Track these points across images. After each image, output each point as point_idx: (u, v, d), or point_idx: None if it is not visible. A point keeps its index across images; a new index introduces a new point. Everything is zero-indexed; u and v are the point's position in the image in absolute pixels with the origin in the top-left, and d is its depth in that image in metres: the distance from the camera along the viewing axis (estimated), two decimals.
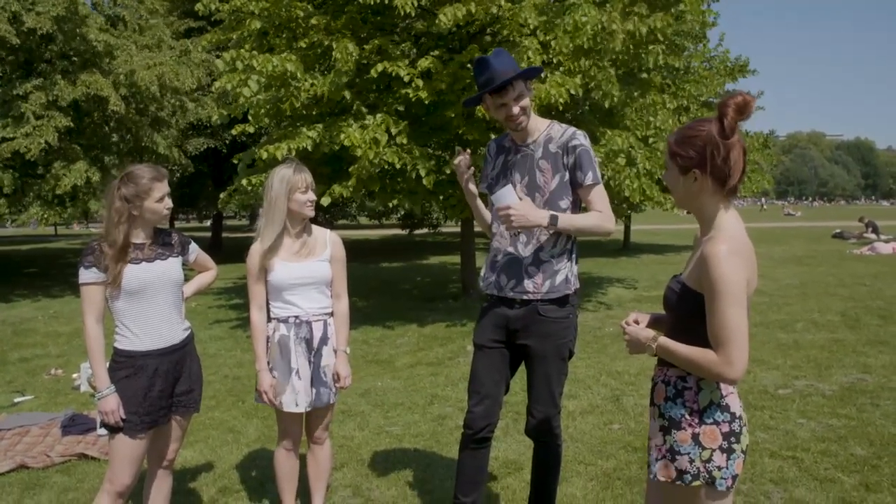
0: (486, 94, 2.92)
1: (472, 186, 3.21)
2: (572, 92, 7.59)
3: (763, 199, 79.62)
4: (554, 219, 2.82)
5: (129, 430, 2.85)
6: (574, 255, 3.06)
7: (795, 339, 7.60)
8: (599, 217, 2.96)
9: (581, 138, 2.98)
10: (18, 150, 11.33)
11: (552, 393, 3.06)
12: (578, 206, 3.05)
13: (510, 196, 2.79)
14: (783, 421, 4.90)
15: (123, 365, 2.88)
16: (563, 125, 3.06)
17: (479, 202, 3.28)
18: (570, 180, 2.98)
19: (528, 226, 2.80)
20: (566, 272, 3.01)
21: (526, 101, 2.92)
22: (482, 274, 3.18)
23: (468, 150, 3.17)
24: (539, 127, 3.05)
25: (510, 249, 3.03)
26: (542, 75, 7.72)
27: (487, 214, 3.26)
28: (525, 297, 2.99)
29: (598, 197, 2.98)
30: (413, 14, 8.00)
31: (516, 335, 3.05)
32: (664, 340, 2.03)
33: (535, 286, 2.98)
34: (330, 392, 3.24)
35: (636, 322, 2.19)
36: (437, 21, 7.54)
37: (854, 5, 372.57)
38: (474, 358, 3.16)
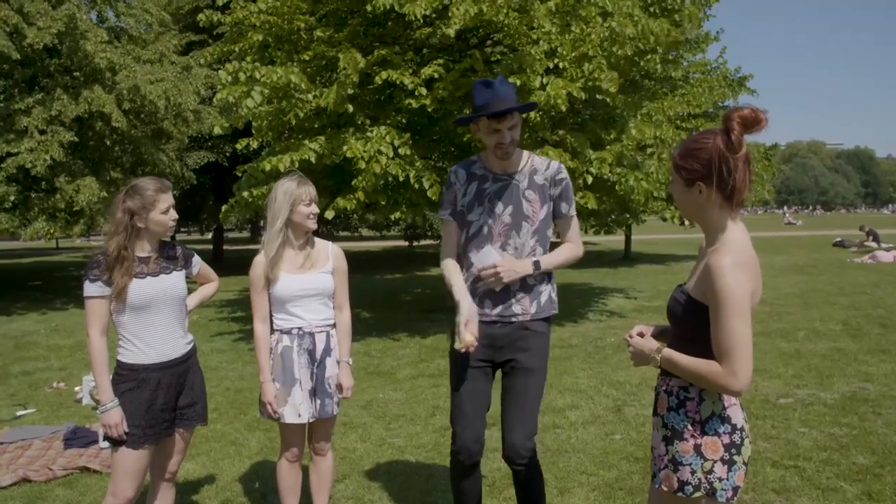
0: (482, 117, 2.91)
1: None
2: (574, 95, 7.63)
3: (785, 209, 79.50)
4: (537, 265, 2.98)
5: (132, 443, 2.85)
6: (552, 277, 3.16)
7: (797, 348, 7.59)
8: (571, 249, 3.13)
9: (564, 171, 3.13)
10: (23, 165, 11.38)
11: (535, 411, 3.01)
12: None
13: (493, 255, 2.92)
14: (785, 430, 4.90)
15: (126, 378, 2.89)
16: (543, 157, 3.15)
17: (458, 282, 3.05)
18: (553, 210, 3.09)
19: (517, 278, 2.94)
20: (549, 293, 3.10)
21: (517, 133, 2.97)
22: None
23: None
24: (519, 158, 3.09)
25: None
26: (543, 81, 7.78)
27: (459, 278, 3.09)
28: (514, 320, 3.02)
29: (574, 227, 3.17)
30: (422, 20, 8.04)
31: (501, 352, 3.03)
32: (668, 352, 2.04)
33: (523, 309, 3.02)
34: (333, 403, 3.25)
35: (640, 335, 2.20)
36: (448, 16, 7.53)
37: (854, 15, 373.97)
38: (456, 380, 3.08)
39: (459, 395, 3.06)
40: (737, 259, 1.91)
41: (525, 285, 3.02)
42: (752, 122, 1.90)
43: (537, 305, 3.04)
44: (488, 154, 3.06)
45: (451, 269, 3.08)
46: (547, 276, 3.09)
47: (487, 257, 2.92)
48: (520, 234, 3.01)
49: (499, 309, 3.02)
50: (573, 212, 3.13)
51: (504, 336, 3.02)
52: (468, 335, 2.81)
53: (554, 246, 3.11)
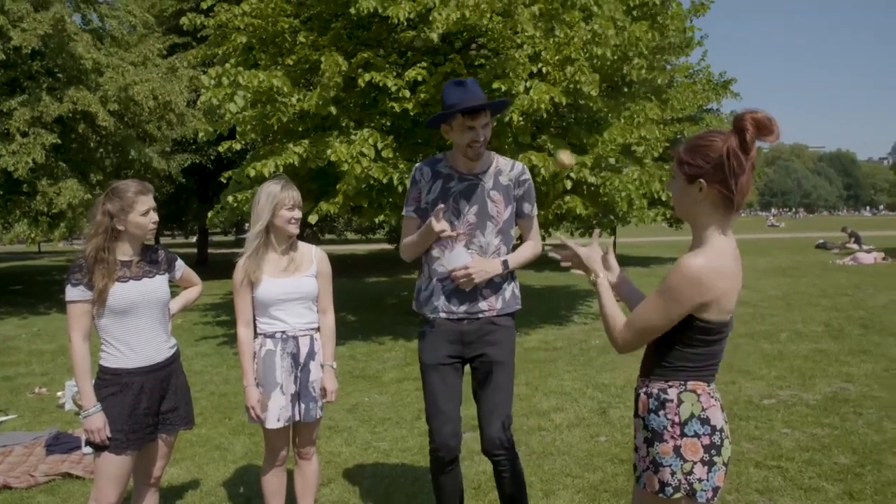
0: (457, 114, 2.92)
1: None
2: (556, 100, 7.66)
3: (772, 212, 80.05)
4: (505, 264, 3.06)
5: (115, 449, 2.84)
6: (515, 274, 3.23)
7: (780, 350, 7.66)
8: (533, 247, 3.24)
9: (528, 172, 3.20)
10: (5, 168, 11.27)
11: (509, 403, 3.10)
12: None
13: (463, 256, 2.98)
14: (768, 431, 4.94)
15: (109, 382, 2.88)
16: (507, 159, 3.21)
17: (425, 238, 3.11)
18: (516, 211, 3.16)
19: (487, 278, 3.01)
20: (512, 289, 3.18)
21: (489, 132, 3.01)
22: (422, 298, 3.17)
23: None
24: (486, 158, 3.12)
25: None
26: (527, 85, 7.81)
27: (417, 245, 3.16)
28: (480, 316, 3.08)
29: (535, 226, 3.26)
30: (406, 24, 8.04)
31: (470, 347, 3.09)
32: (604, 283, 2.20)
33: (489, 305, 3.09)
34: (317, 407, 3.25)
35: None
36: (430, 21, 7.54)
37: (835, 21, 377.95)
38: (429, 379, 3.12)
39: (433, 393, 3.12)
40: (709, 265, 1.94)
41: (490, 283, 3.08)
42: (765, 127, 1.90)
43: (502, 301, 3.11)
44: (455, 153, 3.09)
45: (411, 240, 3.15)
46: (510, 273, 3.17)
47: (458, 258, 2.98)
48: (484, 233, 3.07)
49: (465, 306, 3.07)
50: (535, 212, 3.23)
51: (472, 332, 3.08)
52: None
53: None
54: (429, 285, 3.15)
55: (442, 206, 2.96)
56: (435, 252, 3.11)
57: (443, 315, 3.10)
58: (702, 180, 1.97)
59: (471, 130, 2.94)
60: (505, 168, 3.14)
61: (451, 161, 3.12)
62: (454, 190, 3.09)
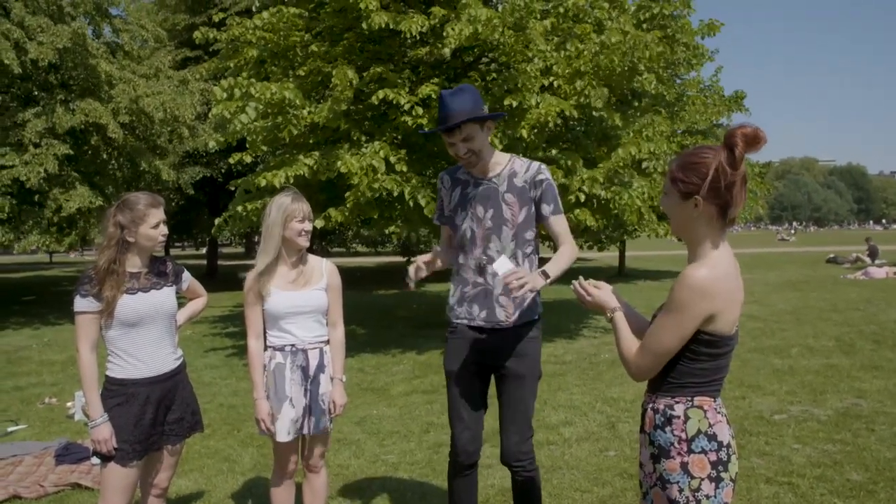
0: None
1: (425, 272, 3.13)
2: (566, 114, 7.67)
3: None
4: (546, 275, 2.86)
5: (121, 459, 2.85)
6: None
7: (790, 365, 7.61)
8: (569, 251, 3.05)
9: (546, 172, 3.10)
10: (18, 178, 11.39)
11: (528, 414, 3.09)
12: (539, 234, 3.19)
13: (509, 264, 2.79)
14: (779, 447, 4.90)
15: (115, 393, 2.89)
16: (525, 160, 3.16)
17: (437, 258, 3.17)
18: (536, 212, 3.09)
19: (533, 290, 2.76)
20: (533, 296, 3.09)
21: (476, 143, 2.96)
22: (450, 304, 3.20)
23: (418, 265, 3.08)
24: (500, 161, 3.12)
25: (479, 280, 3.09)
26: (538, 99, 7.82)
27: (445, 254, 3.25)
28: (499, 325, 3.06)
29: (563, 226, 3.12)
30: (417, 37, 8.09)
31: (490, 357, 3.09)
32: (621, 318, 2.18)
33: (505, 315, 3.05)
34: (326, 420, 3.25)
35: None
36: (443, 37, 7.59)
37: (845, 33, 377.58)
38: (450, 385, 3.17)
39: (454, 398, 3.14)
40: (712, 274, 1.94)
41: (507, 290, 2.97)
42: (754, 141, 1.92)
43: (521, 309, 3.07)
44: None
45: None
46: None
47: (505, 265, 2.79)
48: (500, 237, 3.05)
49: (484, 313, 3.06)
50: (558, 211, 3.11)
51: (492, 342, 3.07)
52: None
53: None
54: (455, 291, 3.17)
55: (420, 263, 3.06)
56: (461, 258, 3.13)
57: (464, 321, 3.11)
58: (697, 197, 1.98)
59: (452, 146, 2.98)
60: (520, 170, 3.10)
61: (467, 166, 3.14)
62: (471, 195, 3.11)
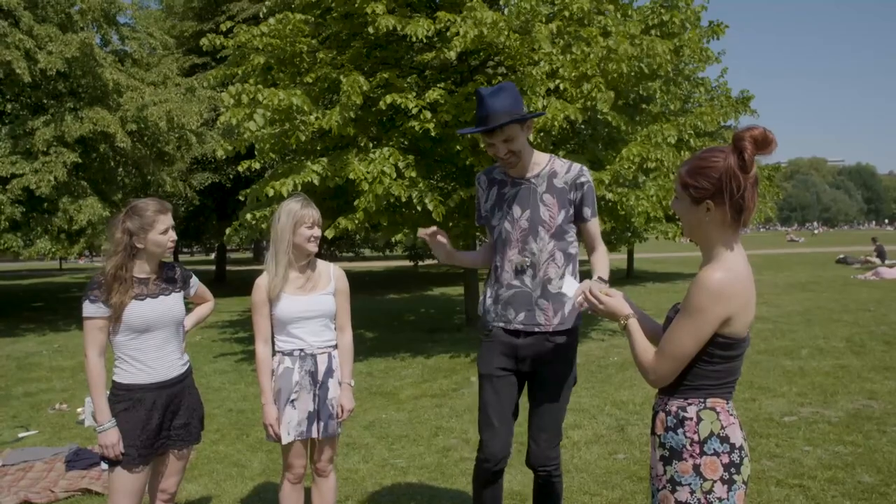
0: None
1: (448, 252, 3.15)
2: (572, 118, 7.67)
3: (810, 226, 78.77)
4: (605, 282, 2.72)
5: (128, 464, 2.86)
6: None
7: (801, 366, 7.57)
8: (605, 253, 3.11)
9: (587, 174, 3.06)
10: (28, 186, 11.48)
11: (559, 420, 3.07)
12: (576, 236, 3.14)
13: (575, 283, 2.64)
14: (789, 449, 4.87)
15: (122, 398, 2.91)
16: (565, 161, 3.10)
17: (458, 253, 3.22)
18: (575, 215, 3.05)
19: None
20: (572, 301, 3.02)
21: (517, 144, 2.91)
22: (485, 307, 3.15)
23: (430, 229, 3.09)
24: (539, 161, 3.07)
25: (515, 282, 3.03)
26: (544, 102, 7.81)
27: (470, 256, 3.29)
28: (537, 330, 3.01)
29: (598, 228, 3.12)
30: (424, 41, 8.10)
31: (525, 363, 3.05)
32: (634, 324, 2.14)
33: (546, 318, 3.00)
34: (335, 424, 3.26)
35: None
36: (448, 41, 7.60)
37: (853, 32, 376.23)
38: (482, 389, 3.11)
39: (485, 403, 3.09)
40: (728, 276, 1.92)
41: (547, 293, 2.99)
42: (763, 143, 1.90)
43: (561, 316, 3.02)
44: None
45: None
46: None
47: (571, 288, 2.61)
48: (536, 238, 3.00)
49: (522, 317, 3.02)
50: (596, 213, 3.10)
51: (527, 347, 3.03)
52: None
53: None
54: (490, 293, 3.13)
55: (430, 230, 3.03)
56: (497, 260, 3.09)
57: (499, 324, 3.07)
58: (709, 201, 1.97)
59: (492, 147, 2.94)
60: (560, 170, 3.05)
61: (504, 166, 3.10)
62: (508, 195, 3.07)
